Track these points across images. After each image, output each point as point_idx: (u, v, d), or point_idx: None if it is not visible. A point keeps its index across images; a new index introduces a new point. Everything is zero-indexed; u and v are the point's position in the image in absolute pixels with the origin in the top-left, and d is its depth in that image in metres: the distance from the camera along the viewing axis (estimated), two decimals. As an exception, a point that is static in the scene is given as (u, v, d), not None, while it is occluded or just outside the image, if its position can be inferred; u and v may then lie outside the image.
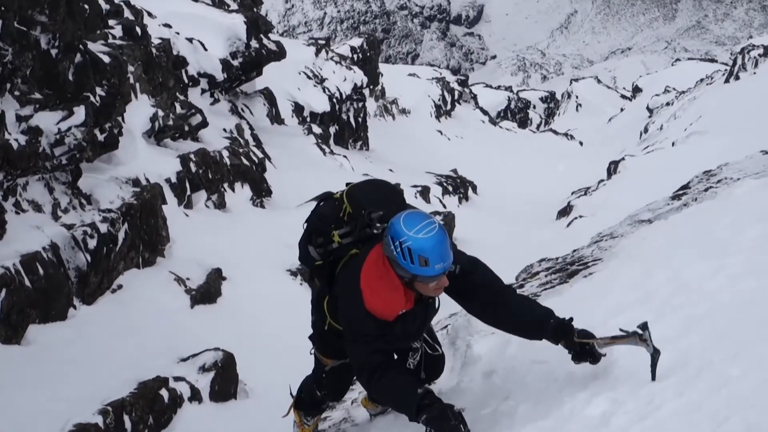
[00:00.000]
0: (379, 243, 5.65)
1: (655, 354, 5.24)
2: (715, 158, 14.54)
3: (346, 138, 39.01)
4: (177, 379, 13.42)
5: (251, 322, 16.36)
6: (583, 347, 5.58)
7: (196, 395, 13.56)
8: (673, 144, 37.42)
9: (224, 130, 25.24)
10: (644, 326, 5.32)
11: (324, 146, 31.44)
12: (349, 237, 5.94)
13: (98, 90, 15.93)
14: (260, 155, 25.41)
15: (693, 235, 8.30)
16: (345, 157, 32.64)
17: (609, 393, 5.38)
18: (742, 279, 6.35)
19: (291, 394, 7.51)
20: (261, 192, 23.41)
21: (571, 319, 5.68)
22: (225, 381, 14.15)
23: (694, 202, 10.45)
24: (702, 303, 6.12)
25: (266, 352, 15.50)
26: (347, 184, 6.31)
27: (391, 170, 35.21)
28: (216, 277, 17.27)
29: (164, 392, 12.92)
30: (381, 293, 5.56)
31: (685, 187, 12.41)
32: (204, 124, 22.82)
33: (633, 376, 5.39)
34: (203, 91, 26.55)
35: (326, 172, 27.36)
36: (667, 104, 58.44)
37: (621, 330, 5.46)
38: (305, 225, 6.40)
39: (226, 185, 22.12)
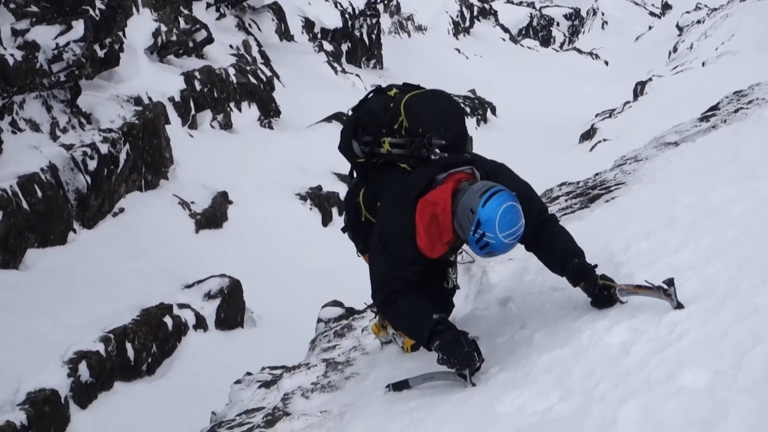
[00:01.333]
0: (443, 185, 5.32)
1: (678, 308, 5.00)
2: (747, 78, 14.18)
3: (358, 56, 38.46)
4: (181, 306, 13.34)
5: (259, 248, 16.18)
6: (603, 292, 5.42)
7: (201, 323, 13.49)
8: (703, 64, 36.85)
9: (230, 46, 24.96)
10: (670, 282, 5.06)
11: (335, 64, 31.03)
12: (401, 149, 5.60)
13: (98, 3, 15.60)
14: (268, 73, 25.01)
15: (721, 159, 8.00)
16: (357, 76, 32.15)
17: (629, 321, 5.13)
18: None
19: (373, 310, 7.39)
20: (269, 112, 23.09)
21: (596, 266, 5.50)
22: (231, 308, 14.03)
23: (723, 124, 10.14)
24: (729, 229, 5.85)
25: (275, 279, 15.34)
26: (404, 89, 5.82)
27: (406, 89, 34.81)
28: (222, 201, 17.01)
29: (168, 320, 12.85)
30: (433, 236, 5.34)
31: (714, 108, 12.06)
32: (209, 40, 22.44)
33: (655, 304, 5.14)
34: (208, 5, 26.12)
35: (338, 92, 27.08)
36: (698, 22, 57.47)
37: (646, 281, 5.23)
38: (350, 115, 6.00)
39: (232, 105, 21.79)
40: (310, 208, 18.47)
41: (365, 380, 6.43)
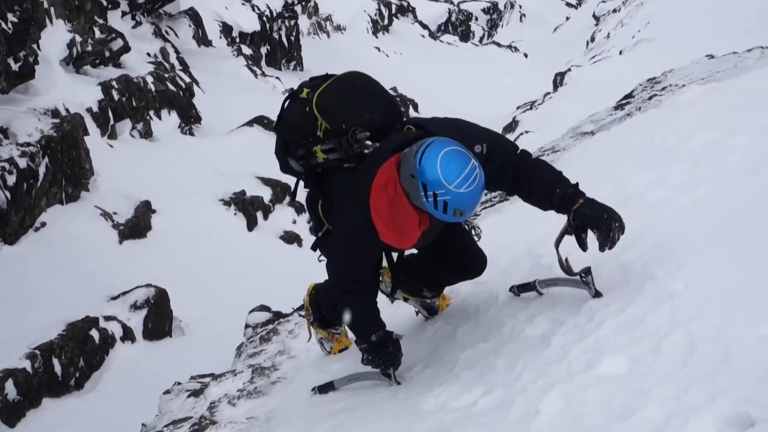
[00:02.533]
0: (385, 164, 4.85)
1: (596, 297, 5.03)
2: (663, 65, 14.35)
3: (278, 58, 38.23)
4: (108, 318, 13.25)
5: (184, 256, 16.04)
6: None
7: (128, 334, 13.41)
8: (620, 52, 37.18)
9: (148, 54, 24.62)
10: (587, 271, 5.08)
11: (255, 68, 30.83)
12: (335, 153, 5.09)
13: (9, 16, 15.40)
14: (187, 80, 24.79)
15: (636, 146, 8.09)
16: (278, 78, 31.97)
17: (549, 312, 5.20)
18: (685, 189, 6.14)
19: (300, 314, 6.97)
20: (189, 118, 22.90)
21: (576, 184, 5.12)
22: (158, 318, 13.94)
23: (637, 112, 10.26)
24: (645, 215, 5.88)
25: (201, 287, 15.24)
26: (314, 86, 5.28)
27: (327, 90, 34.77)
28: (145, 210, 16.83)
29: (95, 333, 12.74)
30: (400, 226, 4.87)
31: (629, 96, 12.23)
32: (126, 48, 22.16)
33: (573, 294, 5.21)
34: (124, 13, 25.69)
35: (258, 95, 26.91)
36: (614, 11, 57.80)
37: (566, 261, 5.17)
38: (276, 134, 5.57)
39: (151, 113, 21.54)
40: (235, 214, 18.36)
41: (291, 384, 6.42)
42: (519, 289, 5.60)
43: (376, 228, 4.82)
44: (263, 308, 10.58)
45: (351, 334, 6.12)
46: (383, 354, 5.24)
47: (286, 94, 5.54)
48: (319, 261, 5.61)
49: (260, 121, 22.79)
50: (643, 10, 42.99)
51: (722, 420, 3.39)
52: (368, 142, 4.96)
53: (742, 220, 5.17)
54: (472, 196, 4.61)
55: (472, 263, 5.67)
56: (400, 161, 4.78)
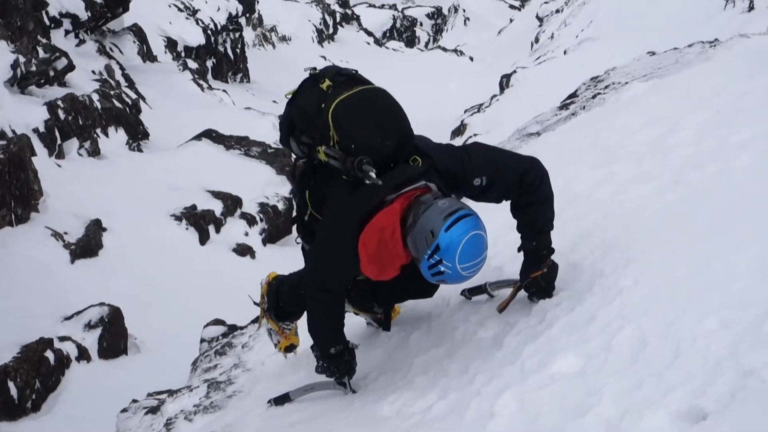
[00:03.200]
0: (389, 208, 4.73)
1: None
2: (607, 63, 14.45)
3: (224, 71, 38.24)
4: (62, 338, 13.06)
5: (137, 273, 15.91)
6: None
7: (83, 354, 13.22)
8: (565, 52, 37.28)
9: (93, 72, 24.39)
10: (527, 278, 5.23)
11: (202, 81, 30.68)
12: (336, 162, 4.91)
13: None
14: (134, 96, 24.62)
15: (581, 145, 8.11)
16: (225, 91, 31.85)
17: (500, 315, 5.28)
18: (631, 186, 6.22)
19: (254, 302, 6.55)
20: (137, 135, 22.72)
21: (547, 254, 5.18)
22: (113, 337, 13.78)
23: (582, 111, 10.32)
24: (592, 213, 5.99)
25: (156, 303, 15.13)
26: (337, 84, 5.11)
27: (275, 101, 34.79)
28: (95, 229, 16.66)
29: (50, 354, 12.54)
30: (383, 263, 4.81)
31: (573, 95, 12.26)
32: (70, 67, 21.90)
33: (524, 295, 5.27)
34: (67, 32, 25.44)
35: (206, 109, 26.84)
36: (557, 11, 57.98)
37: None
38: (286, 108, 5.34)
39: (99, 131, 21.31)
40: (186, 228, 18.24)
41: (247, 397, 6.38)
42: (470, 293, 5.63)
43: (359, 258, 4.77)
44: (218, 322, 10.50)
45: (300, 334, 6.12)
46: (338, 363, 5.23)
47: (308, 75, 5.32)
48: (296, 242, 5.63)
49: (209, 134, 22.70)
50: (585, 9, 43.23)
51: (675, 414, 3.44)
52: (372, 175, 4.74)
53: (689, 215, 5.26)
54: (462, 279, 4.64)
55: (426, 284, 5.40)
56: (421, 202, 4.68)
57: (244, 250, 18.72)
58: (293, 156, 5.51)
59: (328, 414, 5.21)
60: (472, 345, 5.11)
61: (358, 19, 65.98)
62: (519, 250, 5.22)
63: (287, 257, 17.57)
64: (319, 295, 5.09)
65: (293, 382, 6.01)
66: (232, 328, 9.82)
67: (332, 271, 5.00)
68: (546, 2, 64.02)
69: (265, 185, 21.10)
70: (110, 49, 27.55)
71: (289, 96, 5.29)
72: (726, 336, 3.70)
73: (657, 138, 6.95)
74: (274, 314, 6.25)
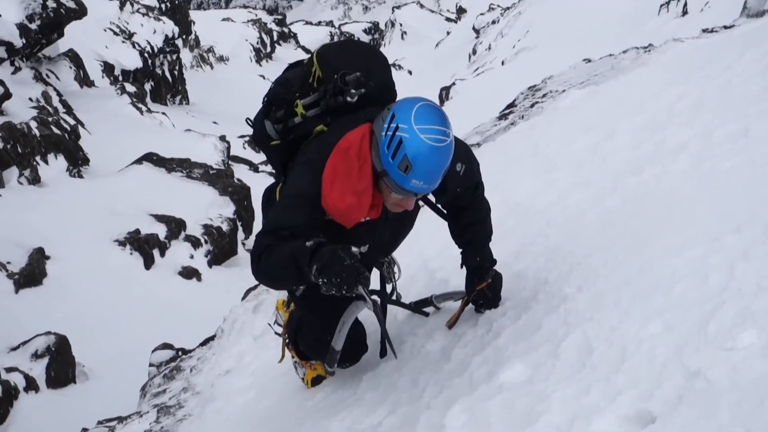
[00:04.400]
0: (357, 128, 4.44)
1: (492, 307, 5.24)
2: (543, 72, 14.58)
3: (163, 94, 38.05)
4: (9, 369, 12.87)
5: (82, 300, 15.74)
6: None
7: (31, 384, 13.03)
8: (502, 63, 37.58)
9: (30, 99, 24.15)
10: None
11: (140, 105, 30.42)
12: (315, 108, 4.68)
13: None
14: (72, 122, 24.33)
15: (522, 154, 8.25)
16: (164, 114, 31.62)
17: (447, 328, 5.33)
18: (572, 193, 6.32)
19: (276, 332, 6.23)
20: (77, 161, 22.50)
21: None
22: (61, 365, 13.60)
23: (520, 120, 10.42)
24: (534, 222, 6.06)
25: (103, 330, 14.97)
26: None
27: (215, 122, 34.71)
28: (38, 257, 16.45)
29: None
30: (345, 194, 4.37)
31: (511, 105, 12.38)
32: (6, 95, 21.71)
33: (471, 306, 5.32)
34: (2, 60, 25.19)
35: (146, 132, 26.64)
36: (493, 22, 58.24)
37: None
38: (265, 98, 5.04)
39: (38, 158, 21.06)
40: (131, 253, 18.08)
41: (198, 420, 6.37)
42: (416, 305, 5.58)
43: (321, 185, 4.40)
44: (166, 346, 10.46)
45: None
46: (339, 269, 4.10)
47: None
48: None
49: (149, 158, 22.54)
50: (521, 19, 43.51)
51: (624, 418, 3.46)
52: (354, 90, 4.52)
53: (630, 219, 5.32)
54: (431, 156, 4.22)
55: (357, 346, 5.46)
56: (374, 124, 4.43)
57: (189, 273, 18.60)
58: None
59: (279, 432, 5.16)
60: (420, 358, 5.13)
61: (295, 36, 66.02)
62: (462, 266, 5.23)
63: (233, 278, 17.54)
64: (275, 235, 4.39)
65: (241, 403, 6.02)
66: (181, 352, 9.78)
67: (294, 212, 4.43)
68: (482, 14, 64.48)
69: (208, 207, 20.96)
70: (47, 75, 27.30)
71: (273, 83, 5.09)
72: (670, 338, 3.73)
73: (595, 144, 7.04)
74: (295, 349, 5.84)
